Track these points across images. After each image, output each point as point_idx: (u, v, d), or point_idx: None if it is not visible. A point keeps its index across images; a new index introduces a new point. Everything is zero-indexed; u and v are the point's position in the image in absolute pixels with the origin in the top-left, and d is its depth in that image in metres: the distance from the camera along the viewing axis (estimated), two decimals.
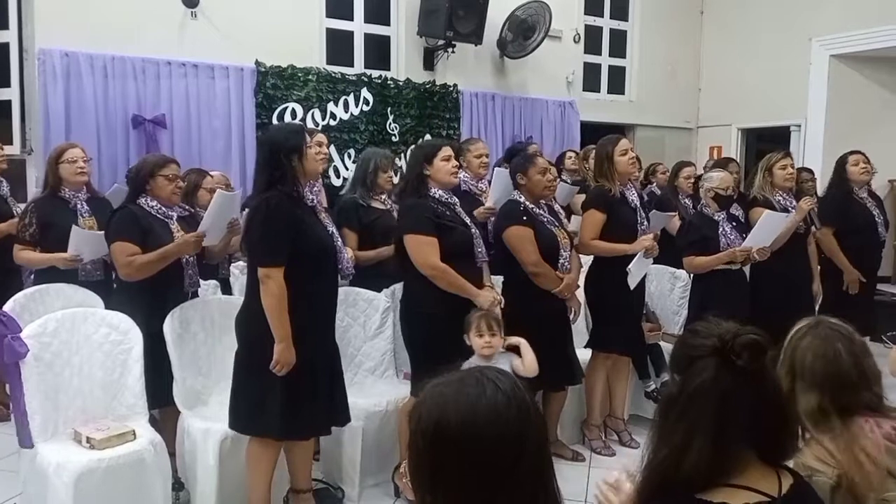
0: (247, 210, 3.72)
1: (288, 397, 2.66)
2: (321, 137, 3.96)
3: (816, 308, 4.46)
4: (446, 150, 3.24)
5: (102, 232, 3.41)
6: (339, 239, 2.85)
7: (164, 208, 3.19)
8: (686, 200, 5.00)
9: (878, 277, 5.00)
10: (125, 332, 2.96)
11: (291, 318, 2.63)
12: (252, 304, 2.69)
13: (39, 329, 2.81)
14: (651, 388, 4.27)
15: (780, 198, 4.21)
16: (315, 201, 2.83)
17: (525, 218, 3.47)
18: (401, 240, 3.16)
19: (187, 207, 3.47)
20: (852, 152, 4.69)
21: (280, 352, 2.61)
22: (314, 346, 2.73)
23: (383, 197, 3.90)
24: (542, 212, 3.57)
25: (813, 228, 4.51)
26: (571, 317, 3.66)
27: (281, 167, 2.68)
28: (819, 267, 4.60)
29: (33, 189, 5.07)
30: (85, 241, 3.42)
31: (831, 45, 7.30)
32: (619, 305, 3.74)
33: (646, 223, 3.81)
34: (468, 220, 3.32)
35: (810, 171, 5.54)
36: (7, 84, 5.09)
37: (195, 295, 3.32)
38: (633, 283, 3.69)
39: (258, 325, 2.63)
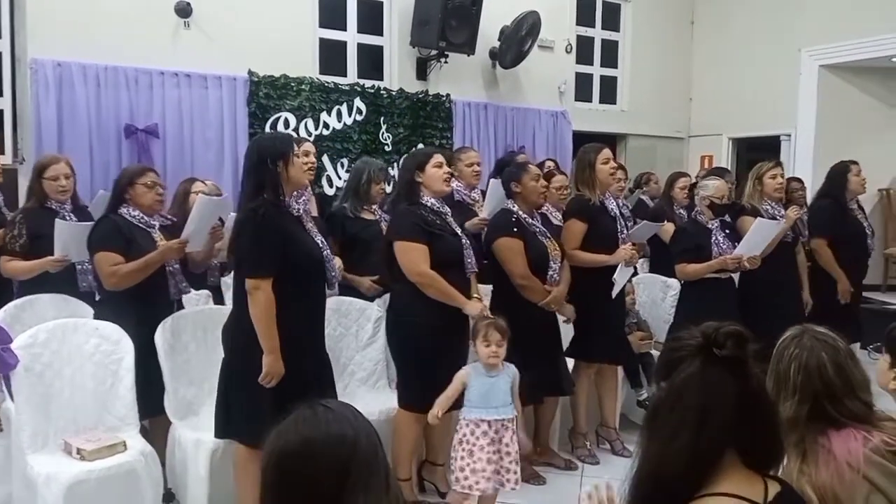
0: (231, 217, 3.73)
1: (277, 407, 2.64)
2: (308, 146, 3.93)
3: (807, 316, 4.48)
4: (438, 158, 3.24)
5: (89, 223, 3.37)
6: (327, 248, 2.82)
7: (145, 217, 3.18)
8: (681, 211, 5.02)
9: (866, 286, 5.03)
10: (116, 342, 2.96)
11: (281, 330, 2.61)
12: (238, 313, 2.69)
13: (30, 340, 2.81)
14: (643, 397, 4.27)
15: (769, 206, 4.23)
16: (301, 211, 2.80)
17: (516, 229, 3.47)
18: (389, 247, 3.15)
19: (170, 217, 3.45)
20: (852, 162, 4.68)
21: (269, 363, 2.59)
22: (304, 356, 2.70)
23: (374, 207, 3.90)
24: (534, 222, 3.57)
25: (802, 238, 4.52)
26: (566, 322, 3.67)
27: (266, 174, 2.67)
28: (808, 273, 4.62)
29: (25, 199, 5.06)
30: (71, 236, 3.35)
31: (820, 56, 7.37)
32: (599, 315, 3.75)
33: (626, 232, 3.82)
34: (458, 230, 3.31)
35: (800, 181, 5.57)
36: None
37: (181, 303, 3.31)
38: (615, 291, 3.70)
39: (244, 334, 2.63)
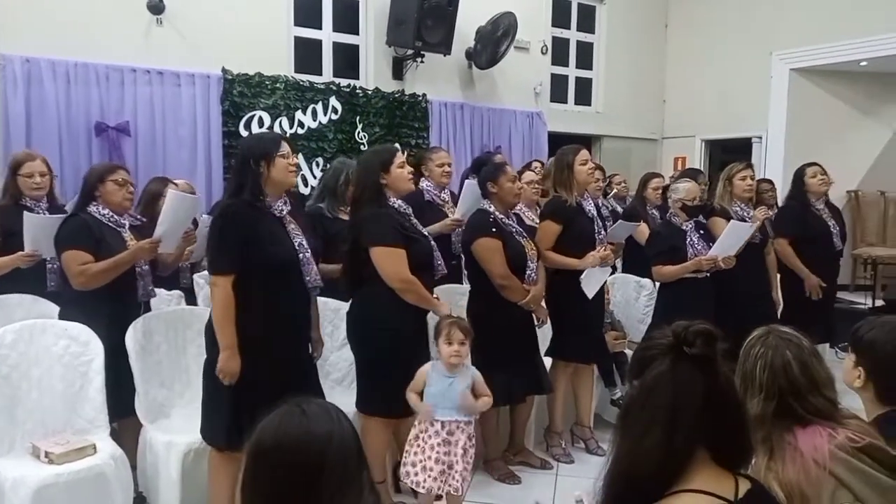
0: (203, 218, 3.70)
1: (236, 408, 2.60)
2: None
3: (778, 316, 4.54)
4: (401, 157, 3.18)
5: (60, 216, 3.31)
6: (308, 251, 2.76)
7: (115, 216, 3.12)
8: (654, 211, 5.07)
9: (837, 286, 5.11)
10: (85, 343, 2.90)
11: (247, 329, 2.58)
12: None
13: None
14: (617, 396, 4.30)
15: (738, 208, 4.29)
16: (284, 212, 2.75)
17: (494, 230, 3.47)
18: (355, 251, 3.09)
19: (139, 217, 3.41)
20: (809, 164, 4.81)
21: (223, 360, 2.56)
22: (273, 359, 2.65)
23: (349, 208, 3.87)
24: (511, 222, 3.58)
25: (770, 239, 4.60)
26: (538, 324, 3.68)
27: (248, 173, 2.65)
28: (779, 276, 4.69)
29: None
30: (42, 229, 3.27)
31: (791, 59, 7.50)
32: (578, 314, 3.77)
33: (603, 233, 3.84)
34: (424, 232, 3.29)
35: (770, 182, 5.65)
36: None
37: (148, 305, 3.27)
38: (590, 292, 3.72)
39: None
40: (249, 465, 1.26)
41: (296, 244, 2.72)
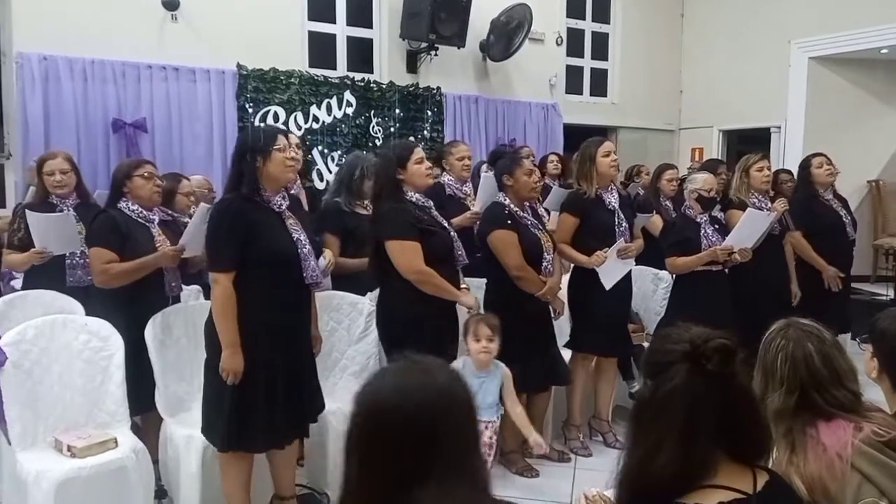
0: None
1: (235, 407, 2.61)
2: (293, 139, 3.87)
3: (794, 308, 4.50)
4: (419, 153, 3.20)
5: (60, 213, 3.37)
6: (306, 247, 2.72)
7: (145, 212, 3.16)
8: (667, 202, 5.03)
9: (854, 277, 5.05)
10: (105, 338, 2.93)
11: (245, 326, 2.58)
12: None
13: (18, 336, 2.77)
14: (635, 389, 4.28)
15: (756, 200, 4.24)
16: (283, 207, 2.73)
17: (510, 222, 3.48)
18: (378, 245, 3.13)
19: (169, 212, 3.45)
20: (815, 155, 4.74)
21: (225, 358, 2.56)
22: (271, 356, 2.64)
23: (366, 202, 3.87)
24: (526, 215, 3.57)
25: (790, 230, 4.55)
26: (555, 317, 3.68)
27: (245, 167, 2.64)
28: (794, 266, 4.65)
29: (13, 194, 5.03)
30: (46, 227, 3.31)
31: (810, 48, 7.39)
32: (599, 307, 3.75)
33: (625, 225, 3.81)
34: (446, 224, 3.30)
35: (789, 173, 5.59)
36: None
37: (176, 300, 3.29)
38: (607, 284, 3.69)
39: (216, 331, 2.61)
40: (357, 430, 1.14)
41: (294, 239, 2.70)
